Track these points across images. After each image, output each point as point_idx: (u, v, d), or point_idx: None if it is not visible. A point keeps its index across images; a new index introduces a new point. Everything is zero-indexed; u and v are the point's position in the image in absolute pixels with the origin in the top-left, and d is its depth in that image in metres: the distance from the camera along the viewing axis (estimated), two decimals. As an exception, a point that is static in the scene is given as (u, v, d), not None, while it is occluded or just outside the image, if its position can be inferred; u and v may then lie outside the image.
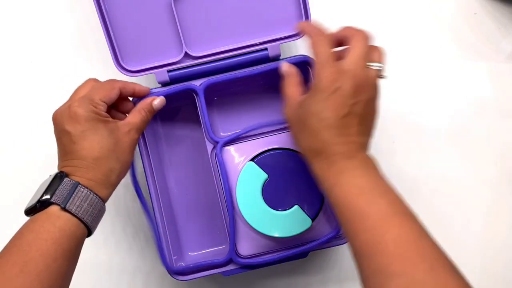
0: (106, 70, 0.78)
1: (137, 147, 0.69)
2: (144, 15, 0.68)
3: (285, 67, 0.63)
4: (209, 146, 0.71)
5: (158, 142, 0.76)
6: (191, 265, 0.70)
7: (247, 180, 0.69)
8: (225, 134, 0.75)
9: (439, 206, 0.79)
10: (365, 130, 0.57)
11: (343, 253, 0.79)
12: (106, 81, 0.65)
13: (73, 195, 0.55)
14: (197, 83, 0.70)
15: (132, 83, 0.67)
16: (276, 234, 0.68)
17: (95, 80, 0.65)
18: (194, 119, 0.73)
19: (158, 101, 0.67)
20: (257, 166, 0.69)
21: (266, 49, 0.70)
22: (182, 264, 0.72)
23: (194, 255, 0.75)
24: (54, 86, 0.80)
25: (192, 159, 0.77)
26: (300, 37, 0.70)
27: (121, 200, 0.79)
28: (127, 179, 0.78)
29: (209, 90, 0.72)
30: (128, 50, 0.70)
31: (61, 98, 0.78)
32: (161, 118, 0.77)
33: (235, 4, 0.69)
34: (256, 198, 0.68)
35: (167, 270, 0.69)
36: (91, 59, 0.80)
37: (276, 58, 0.71)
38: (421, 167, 0.79)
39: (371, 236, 0.50)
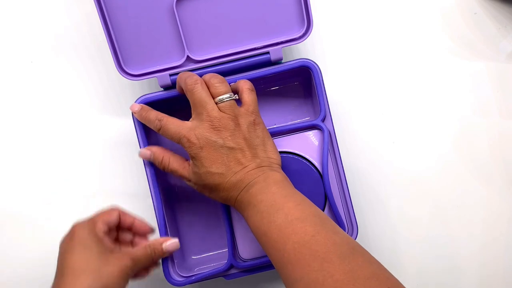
0: (108, 72, 0.78)
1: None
2: (146, 19, 0.68)
3: (146, 155, 0.68)
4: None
5: (161, 145, 0.76)
6: (193, 277, 0.69)
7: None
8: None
9: (439, 206, 0.79)
10: (257, 151, 0.63)
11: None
12: (109, 207, 0.67)
13: None
14: (198, 87, 0.70)
15: (131, 216, 0.68)
16: (278, 238, 0.68)
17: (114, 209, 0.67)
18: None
19: (169, 244, 0.67)
20: (259, 170, 0.69)
21: (268, 52, 0.70)
22: (185, 268, 0.72)
23: (196, 258, 0.75)
24: (54, 86, 0.80)
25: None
26: (302, 41, 0.70)
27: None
28: (124, 185, 0.78)
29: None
30: (130, 53, 0.70)
31: (61, 98, 0.79)
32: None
33: (237, 8, 0.69)
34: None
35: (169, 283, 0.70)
36: (92, 60, 0.80)
37: (278, 61, 0.71)
38: (421, 167, 0.79)
39: (276, 251, 0.55)
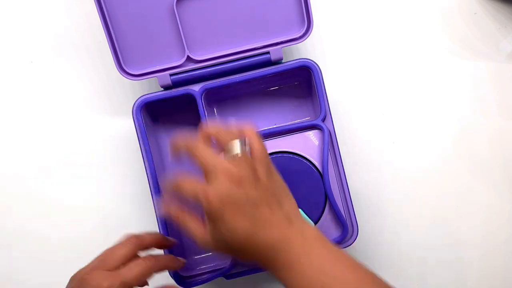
0: (108, 72, 0.79)
1: (138, 153, 0.70)
2: (146, 19, 0.69)
3: (163, 211, 0.60)
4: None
5: (160, 145, 0.77)
6: (199, 280, 0.69)
7: (249, 183, 0.69)
8: (227, 137, 0.75)
9: (439, 206, 0.79)
10: (280, 201, 0.57)
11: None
12: (147, 262, 0.59)
13: None
14: (197, 88, 0.71)
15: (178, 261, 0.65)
16: (278, 238, 0.68)
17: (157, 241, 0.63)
18: (196, 122, 0.73)
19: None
20: (259, 169, 0.69)
21: (268, 52, 0.70)
22: (184, 273, 0.72)
23: (196, 258, 0.75)
24: (54, 86, 0.80)
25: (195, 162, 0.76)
26: (302, 41, 0.70)
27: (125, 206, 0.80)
28: (125, 185, 0.79)
29: (209, 94, 0.72)
30: (131, 53, 0.70)
31: (61, 97, 0.79)
32: (163, 120, 0.77)
33: (237, 8, 0.69)
34: (258, 201, 0.68)
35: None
36: (92, 60, 0.80)
37: (278, 61, 0.71)
38: (421, 167, 0.79)
39: None
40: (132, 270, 0.57)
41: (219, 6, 0.69)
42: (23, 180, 0.79)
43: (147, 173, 0.70)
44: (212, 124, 0.60)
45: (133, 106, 0.71)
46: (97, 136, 0.79)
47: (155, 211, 0.70)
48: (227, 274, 0.70)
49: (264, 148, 0.58)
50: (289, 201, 0.58)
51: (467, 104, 0.80)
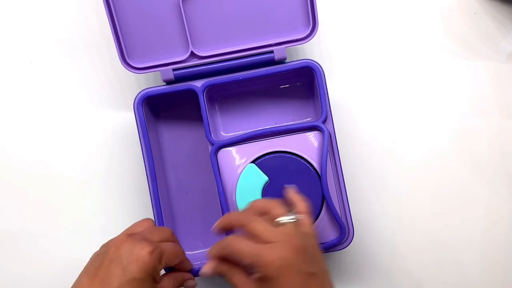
0: (112, 65, 0.78)
1: (138, 147, 0.70)
2: (152, 13, 0.68)
3: (208, 269, 0.60)
4: (210, 146, 0.71)
5: (161, 140, 0.77)
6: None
7: (247, 182, 0.69)
8: (227, 134, 0.75)
9: (439, 206, 0.79)
10: (318, 266, 0.58)
11: (343, 257, 0.79)
12: (177, 246, 0.63)
13: None
14: (199, 84, 0.71)
15: (189, 262, 0.67)
16: (275, 237, 0.68)
17: (171, 233, 0.64)
18: (197, 118, 0.73)
19: (191, 284, 0.66)
20: (257, 168, 0.69)
21: (272, 52, 0.70)
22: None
23: (192, 254, 0.76)
24: (54, 86, 0.80)
25: (193, 158, 0.77)
26: (306, 41, 0.70)
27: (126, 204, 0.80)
28: (124, 179, 0.79)
29: (211, 91, 0.72)
30: (134, 47, 0.70)
31: (64, 90, 0.79)
32: (164, 116, 0.77)
33: (242, 6, 0.69)
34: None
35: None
36: (95, 57, 0.79)
37: (282, 61, 0.71)
38: (421, 167, 0.79)
39: None
40: (169, 246, 0.60)
41: (225, 3, 0.69)
42: (23, 179, 0.79)
43: (146, 168, 0.71)
44: (262, 200, 0.63)
45: (135, 99, 0.71)
46: (100, 129, 0.79)
47: (152, 207, 0.71)
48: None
49: (311, 224, 0.61)
50: (329, 280, 0.59)
51: (467, 104, 0.80)
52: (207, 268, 0.60)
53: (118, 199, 0.79)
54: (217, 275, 0.60)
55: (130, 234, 0.59)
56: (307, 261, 0.56)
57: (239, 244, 0.57)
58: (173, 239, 0.64)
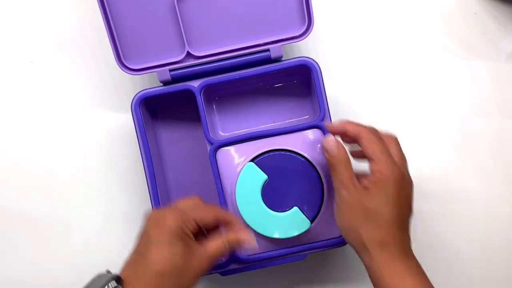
0: (109, 67, 0.78)
1: (137, 148, 0.70)
2: (147, 14, 0.68)
3: (334, 148, 0.62)
4: (209, 146, 0.71)
5: (159, 141, 0.77)
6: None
7: (246, 180, 0.69)
8: (225, 134, 0.75)
9: (439, 206, 0.79)
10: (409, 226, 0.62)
11: (343, 255, 0.79)
12: (211, 205, 0.64)
13: None
14: (196, 84, 0.71)
15: (232, 217, 0.65)
16: (274, 235, 0.68)
17: (200, 199, 0.65)
18: (195, 117, 0.73)
19: (249, 245, 0.64)
20: (257, 167, 0.69)
21: (268, 50, 0.70)
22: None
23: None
24: (54, 86, 0.80)
25: (192, 158, 0.77)
26: (302, 39, 0.70)
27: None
28: (123, 178, 0.79)
29: (208, 90, 0.72)
30: (131, 48, 0.70)
31: (61, 93, 0.79)
32: (162, 116, 0.77)
33: (238, 5, 0.69)
34: (255, 198, 0.68)
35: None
36: (92, 59, 0.80)
37: (278, 59, 0.71)
38: (421, 167, 0.78)
39: None
40: (203, 211, 0.62)
41: (220, 2, 0.69)
42: (23, 179, 0.79)
43: (144, 167, 0.70)
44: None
45: (132, 100, 0.71)
46: (97, 130, 0.79)
47: (152, 206, 0.70)
48: (223, 270, 0.70)
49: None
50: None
51: (467, 104, 0.80)
52: (333, 144, 0.62)
53: (117, 200, 0.79)
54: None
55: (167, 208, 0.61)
56: (410, 186, 0.60)
57: (372, 138, 0.60)
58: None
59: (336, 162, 0.61)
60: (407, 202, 0.60)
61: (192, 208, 0.62)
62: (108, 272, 0.57)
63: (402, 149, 0.63)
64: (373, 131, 0.61)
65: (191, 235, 0.59)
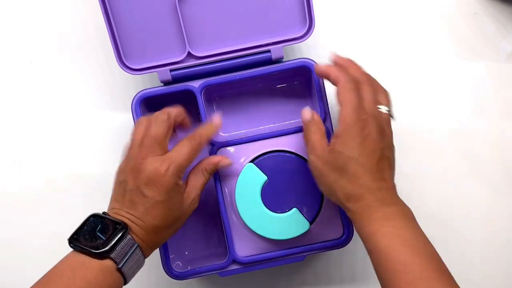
0: (110, 67, 0.78)
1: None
2: (148, 14, 0.68)
3: (307, 114, 0.64)
4: (209, 146, 0.72)
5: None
6: (190, 270, 0.70)
7: (246, 181, 0.69)
8: (225, 134, 0.75)
9: (439, 206, 0.79)
10: (393, 173, 0.60)
11: (341, 257, 0.79)
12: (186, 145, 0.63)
13: (130, 257, 0.56)
14: (197, 84, 0.71)
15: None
16: (273, 237, 0.68)
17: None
18: (195, 118, 0.73)
19: (224, 163, 0.68)
20: (256, 168, 0.69)
21: (269, 51, 0.70)
22: (179, 263, 0.73)
23: (192, 254, 0.76)
24: (54, 86, 0.80)
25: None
26: (303, 40, 0.70)
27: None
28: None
29: (209, 91, 0.72)
30: (131, 48, 0.70)
31: (62, 93, 0.79)
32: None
33: (239, 6, 0.69)
34: (255, 199, 0.69)
35: (167, 273, 0.70)
36: (92, 59, 0.80)
37: (279, 60, 0.71)
38: (421, 167, 0.79)
39: (401, 274, 0.53)
40: (181, 152, 0.61)
41: (221, 3, 0.69)
42: (23, 178, 0.79)
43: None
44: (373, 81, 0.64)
45: (133, 100, 0.71)
46: (98, 130, 0.80)
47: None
48: (222, 271, 0.70)
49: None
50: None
51: (467, 104, 0.80)
52: (308, 113, 0.64)
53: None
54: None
55: (140, 149, 0.61)
56: (383, 142, 0.59)
57: (348, 86, 0.60)
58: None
59: (306, 128, 0.63)
60: (377, 146, 0.58)
61: (187, 155, 0.62)
62: (105, 213, 0.59)
63: (387, 98, 0.64)
64: (350, 81, 0.60)
65: (181, 181, 0.61)
